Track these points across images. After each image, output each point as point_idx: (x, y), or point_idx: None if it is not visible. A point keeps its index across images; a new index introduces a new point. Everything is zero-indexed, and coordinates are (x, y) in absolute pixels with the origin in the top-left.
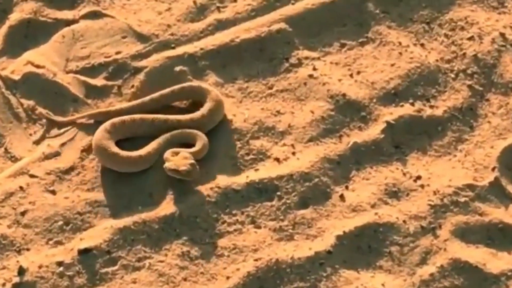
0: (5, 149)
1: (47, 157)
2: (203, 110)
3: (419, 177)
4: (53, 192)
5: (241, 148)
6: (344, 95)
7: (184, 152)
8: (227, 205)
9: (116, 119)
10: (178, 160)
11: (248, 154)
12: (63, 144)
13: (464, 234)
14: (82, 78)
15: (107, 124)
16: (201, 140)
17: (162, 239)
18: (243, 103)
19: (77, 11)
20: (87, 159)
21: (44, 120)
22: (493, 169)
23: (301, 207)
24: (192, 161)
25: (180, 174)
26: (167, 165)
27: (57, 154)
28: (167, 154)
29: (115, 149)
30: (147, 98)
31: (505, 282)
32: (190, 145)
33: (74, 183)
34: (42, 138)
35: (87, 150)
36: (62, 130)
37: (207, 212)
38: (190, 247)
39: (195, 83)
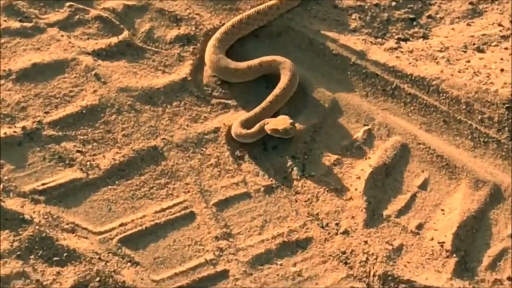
0: None
1: None
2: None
3: None
4: None
5: None
6: None
7: (282, 116)
8: None
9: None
10: (277, 121)
11: None
12: None
13: None
14: None
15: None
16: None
17: None
18: None
19: None
20: None
21: None
22: None
23: None
24: (290, 121)
25: (279, 133)
26: (267, 126)
27: None
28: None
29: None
30: None
31: None
32: None
33: None
34: None
35: None
36: None
37: None
38: None
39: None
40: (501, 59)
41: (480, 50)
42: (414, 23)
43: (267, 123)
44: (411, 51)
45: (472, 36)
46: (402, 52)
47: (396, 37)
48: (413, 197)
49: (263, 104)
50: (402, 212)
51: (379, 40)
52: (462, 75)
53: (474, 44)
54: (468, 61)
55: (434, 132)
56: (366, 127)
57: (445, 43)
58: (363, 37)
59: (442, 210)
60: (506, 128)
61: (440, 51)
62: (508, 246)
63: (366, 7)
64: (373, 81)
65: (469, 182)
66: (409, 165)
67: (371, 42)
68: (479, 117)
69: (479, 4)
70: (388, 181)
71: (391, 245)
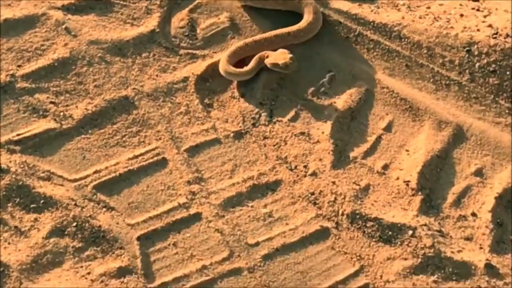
0: None
1: None
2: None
3: None
4: None
5: None
6: None
7: (282, 49)
8: None
9: (232, 48)
10: (277, 55)
11: None
12: None
13: None
14: None
15: (226, 54)
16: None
17: None
18: None
19: None
20: None
21: None
22: None
23: None
24: (290, 55)
25: (279, 67)
26: (267, 60)
27: None
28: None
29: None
30: None
31: None
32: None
33: None
34: None
35: None
36: None
37: None
38: None
39: None
40: (460, 4)
41: None
42: None
43: (267, 57)
44: (378, 7)
45: None
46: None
47: None
48: (378, 139)
49: (266, 35)
50: (368, 153)
51: None
52: (423, 21)
53: None
54: (429, 8)
55: (397, 76)
56: (331, 73)
57: None
58: None
59: (407, 150)
60: (467, 71)
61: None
62: (471, 183)
63: None
64: (336, 29)
65: (432, 123)
66: (374, 109)
67: None
68: (440, 60)
69: None
70: (353, 124)
71: (358, 185)
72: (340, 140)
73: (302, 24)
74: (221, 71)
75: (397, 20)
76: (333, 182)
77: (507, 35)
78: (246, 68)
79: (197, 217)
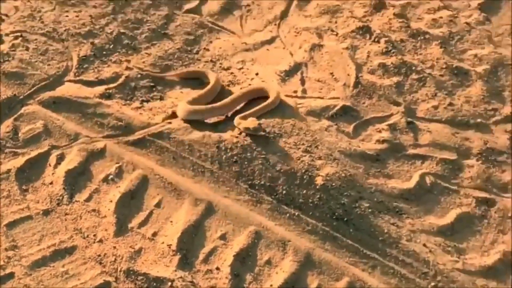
0: None
1: None
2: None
3: None
4: None
5: None
6: None
7: (251, 118)
8: None
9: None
10: (249, 122)
11: None
12: None
13: None
14: None
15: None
16: (274, 92)
17: None
18: None
19: None
20: None
21: None
22: None
23: None
24: (258, 121)
25: (250, 131)
26: (241, 126)
27: None
28: (238, 119)
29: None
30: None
31: None
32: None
33: None
34: None
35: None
36: None
37: None
38: None
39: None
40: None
41: None
42: (154, 89)
43: (239, 123)
44: (151, 109)
45: None
46: (144, 109)
47: (140, 99)
48: (151, 213)
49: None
50: (142, 224)
51: (128, 101)
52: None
53: None
54: None
55: (166, 165)
56: (118, 164)
57: (175, 102)
58: (117, 100)
59: (171, 221)
60: (217, 161)
61: (171, 107)
62: (217, 245)
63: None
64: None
65: (191, 201)
66: (148, 190)
67: (122, 103)
68: (198, 154)
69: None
70: (133, 202)
71: (133, 248)
72: (122, 214)
73: (209, 87)
74: (183, 112)
75: (167, 126)
76: (115, 247)
77: (245, 135)
78: (216, 104)
79: (11, 275)
